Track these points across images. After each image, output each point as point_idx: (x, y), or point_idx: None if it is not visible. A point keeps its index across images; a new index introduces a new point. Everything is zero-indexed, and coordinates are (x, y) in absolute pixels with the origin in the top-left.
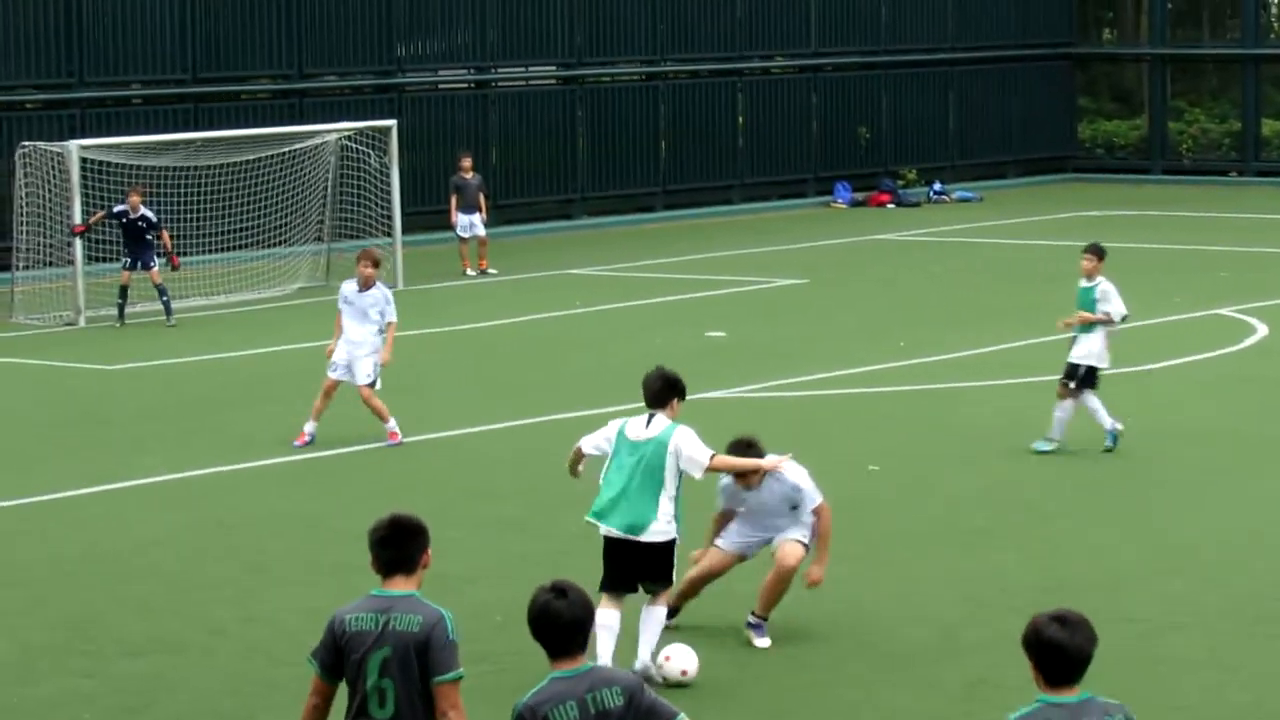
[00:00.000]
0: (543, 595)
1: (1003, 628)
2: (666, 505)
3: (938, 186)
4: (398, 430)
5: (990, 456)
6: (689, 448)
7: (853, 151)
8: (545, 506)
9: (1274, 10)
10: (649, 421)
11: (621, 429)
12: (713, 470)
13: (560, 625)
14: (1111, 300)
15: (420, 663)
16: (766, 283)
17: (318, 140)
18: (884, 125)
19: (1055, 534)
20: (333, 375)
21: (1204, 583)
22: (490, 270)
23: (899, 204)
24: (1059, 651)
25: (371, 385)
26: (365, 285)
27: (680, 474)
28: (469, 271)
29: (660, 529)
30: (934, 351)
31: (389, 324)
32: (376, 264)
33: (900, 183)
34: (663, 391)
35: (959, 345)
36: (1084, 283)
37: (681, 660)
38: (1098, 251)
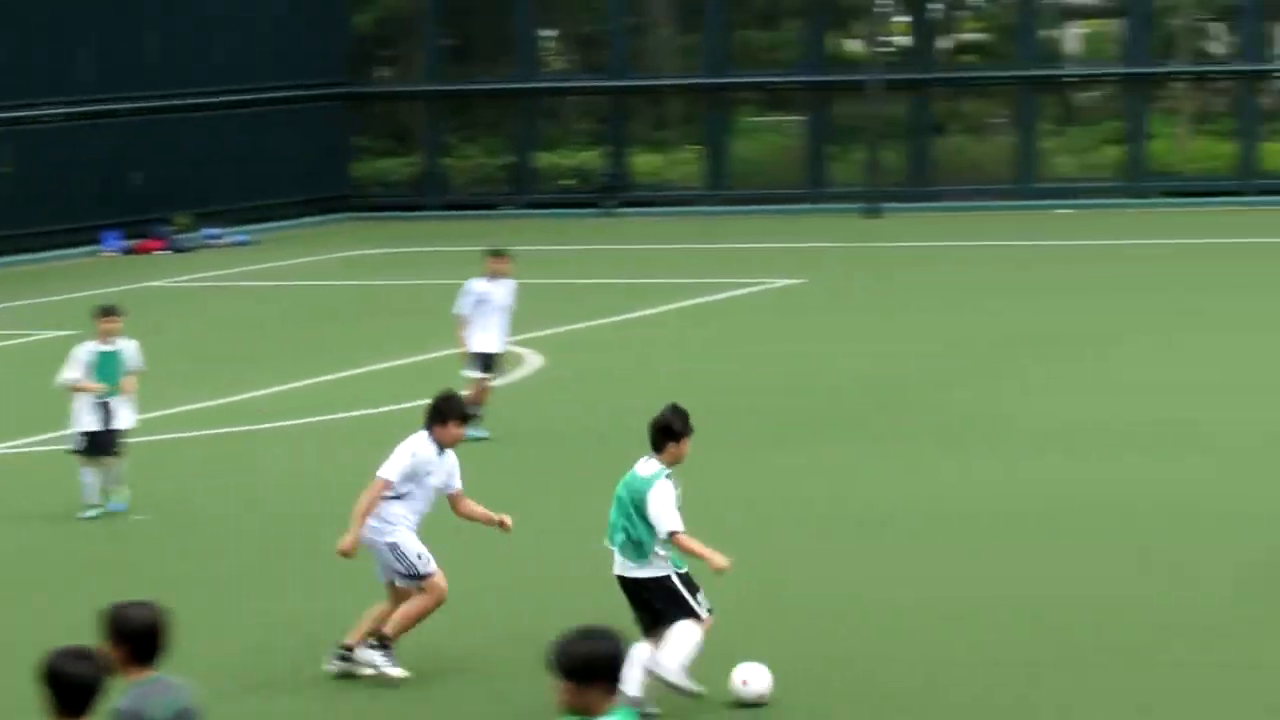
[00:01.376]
0: (51, 655)
1: None
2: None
3: (212, 231)
4: None
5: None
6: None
7: (126, 198)
8: None
9: (551, 45)
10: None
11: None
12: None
13: (65, 685)
14: (139, 359)
15: None
16: (34, 335)
17: None
18: (157, 170)
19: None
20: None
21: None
22: None
23: (174, 250)
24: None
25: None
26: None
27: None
28: None
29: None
30: (205, 398)
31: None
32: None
33: (173, 229)
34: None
35: (205, 395)
36: (103, 346)
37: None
38: (117, 312)
